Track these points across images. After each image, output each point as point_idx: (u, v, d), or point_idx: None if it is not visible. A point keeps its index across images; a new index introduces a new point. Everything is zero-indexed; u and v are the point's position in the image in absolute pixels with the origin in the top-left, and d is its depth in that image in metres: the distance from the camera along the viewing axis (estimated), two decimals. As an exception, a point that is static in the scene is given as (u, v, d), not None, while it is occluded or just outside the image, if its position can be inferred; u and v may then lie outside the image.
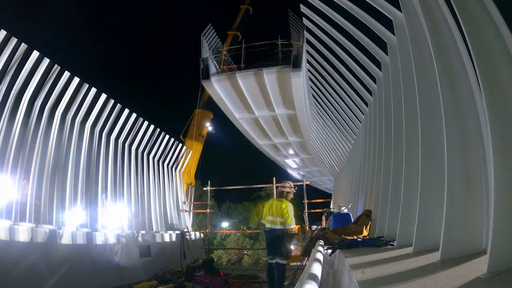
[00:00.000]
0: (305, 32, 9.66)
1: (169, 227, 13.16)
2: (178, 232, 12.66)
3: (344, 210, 9.51)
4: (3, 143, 7.44)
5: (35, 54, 8.03)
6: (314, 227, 16.33)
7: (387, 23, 5.37)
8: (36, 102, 8.40)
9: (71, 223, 8.51)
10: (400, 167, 4.50)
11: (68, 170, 9.05)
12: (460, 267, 2.32)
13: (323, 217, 12.01)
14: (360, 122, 9.89)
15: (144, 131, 12.64)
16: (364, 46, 6.78)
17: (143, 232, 11.06)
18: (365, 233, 6.00)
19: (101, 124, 10.57)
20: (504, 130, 2.23)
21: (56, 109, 9.00)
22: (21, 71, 7.90)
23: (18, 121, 7.86)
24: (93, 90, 9.89)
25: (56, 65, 8.66)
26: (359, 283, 2.24)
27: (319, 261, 3.10)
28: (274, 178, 14.47)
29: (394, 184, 4.89)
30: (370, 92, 7.93)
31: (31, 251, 6.92)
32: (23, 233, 6.96)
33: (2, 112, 7.55)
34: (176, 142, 15.02)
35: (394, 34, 5.15)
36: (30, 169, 8.03)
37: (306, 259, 6.92)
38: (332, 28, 7.98)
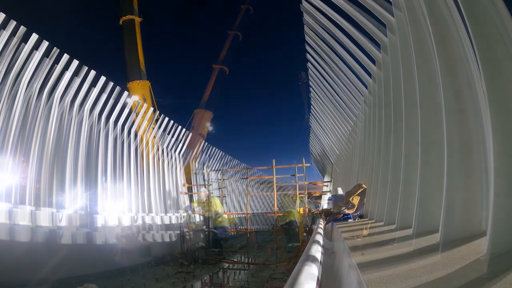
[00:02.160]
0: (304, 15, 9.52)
1: (169, 209, 13.15)
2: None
3: (340, 192, 9.95)
4: (3, 126, 7.39)
5: (34, 36, 7.91)
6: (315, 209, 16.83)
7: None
8: (35, 85, 8.28)
9: (71, 205, 8.52)
10: (400, 149, 4.50)
11: (68, 153, 8.99)
12: (460, 249, 2.33)
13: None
14: (360, 104, 9.84)
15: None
16: (363, 27, 6.72)
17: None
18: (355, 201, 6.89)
19: (100, 107, 10.47)
20: (503, 110, 2.21)
21: (55, 92, 8.89)
22: (20, 54, 7.80)
23: (17, 104, 7.77)
24: (92, 73, 9.76)
25: (55, 48, 8.54)
26: (359, 265, 2.26)
27: (319, 242, 3.12)
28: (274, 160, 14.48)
29: (393, 166, 4.90)
30: (369, 74, 7.87)
31: (31, 233, 6.95)
32: (22, 216, 6.98)
33: (2, 95, 7.47)
34: (176, 125, 14.91)
35: (393, 16, 5.09)
36: (30, 152, 7.99)
37: (306, 241, 7.26)
38: (331, 10, 7.89)
